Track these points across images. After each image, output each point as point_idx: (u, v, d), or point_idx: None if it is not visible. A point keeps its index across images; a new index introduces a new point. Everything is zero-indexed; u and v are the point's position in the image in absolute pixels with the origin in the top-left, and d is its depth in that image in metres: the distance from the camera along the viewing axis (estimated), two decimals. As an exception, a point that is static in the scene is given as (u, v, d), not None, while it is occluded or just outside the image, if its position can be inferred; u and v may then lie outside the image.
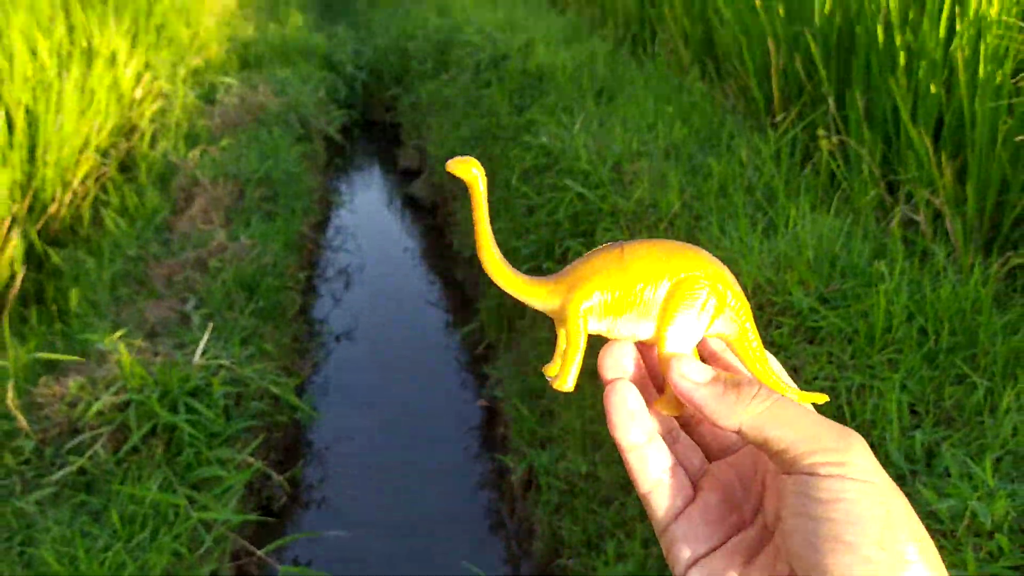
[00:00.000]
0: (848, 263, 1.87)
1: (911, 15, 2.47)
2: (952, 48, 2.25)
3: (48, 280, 2.94)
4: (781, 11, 2.98)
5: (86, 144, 3.49)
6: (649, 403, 0.45)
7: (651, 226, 2.44)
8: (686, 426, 0.48)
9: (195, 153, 3.86)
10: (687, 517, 0.44)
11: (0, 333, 2.46)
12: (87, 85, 3.60)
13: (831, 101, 2.61)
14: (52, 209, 3.14)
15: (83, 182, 3.44)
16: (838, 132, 2.61)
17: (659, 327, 0.45)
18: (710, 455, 0.48)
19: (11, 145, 2.99)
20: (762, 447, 0.41)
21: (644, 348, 0.47)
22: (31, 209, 3.09)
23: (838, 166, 2.41)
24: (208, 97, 4.77)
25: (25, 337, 2.53)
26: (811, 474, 0.38)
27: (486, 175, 0.45)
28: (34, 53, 3.50)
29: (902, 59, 2.36)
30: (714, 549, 0.44)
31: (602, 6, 4.89)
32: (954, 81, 2.24)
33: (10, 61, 3.27)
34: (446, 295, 4.05)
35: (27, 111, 3.17)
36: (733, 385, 0.42)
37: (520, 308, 3.11)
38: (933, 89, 2.28)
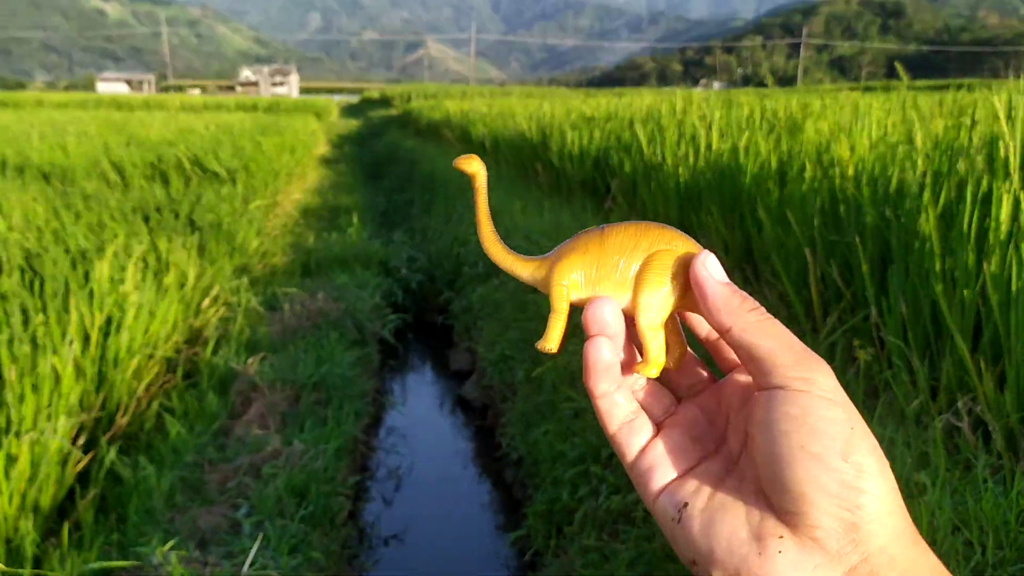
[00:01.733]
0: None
1: (947, 233, 2.57)
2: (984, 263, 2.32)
3: (110, 487, 3.03)
4: (816, 222, 3.11)
5: (153, 353, 3.68)
6: (628, 362, 0.50)
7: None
8: None
9: (255, 359, 4.03)
10: (652, 450, 0.48)
11: (59, 544, 2.52)
12: (158, 298, 3.83)
13: (872, 308, 2.67)
14: (119, 419, 3.27)
15: (148, 390, 3.59)
16: (879, 337, 2.65)
17: (634, 296, 0.49)
18: (677, 396, 0.52)
19: (84, 358, 3.17)
20: (745, 352, 0.44)
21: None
22: (98, 419, 3.23)
23: (880, 371, 2.44)
24: (270, 304, 5.01)
25: (83, 546, 2.59)
26: (783, 388, 0.42)
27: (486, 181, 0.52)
28: (113, 280, 3.76)
29: (937, 268, 2.44)
30: (680, 476, 0.47)
31: (643, 212, 5.12)
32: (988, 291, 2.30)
33: (89, 283, 3.52)
34: (495, 498, 4.04)
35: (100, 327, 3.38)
36: (741, 293, 0.46)
37: (569, 513, 3.09)
38: (968, 296, 2.34)
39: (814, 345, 2.72)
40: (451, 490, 4.12)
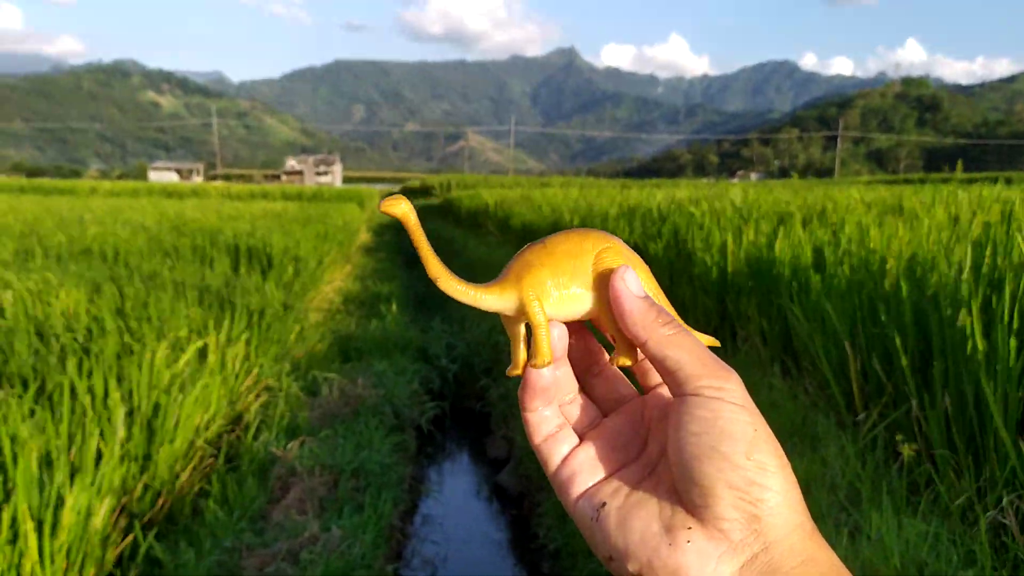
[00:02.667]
0: (936, 571, 1.83)
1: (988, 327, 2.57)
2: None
3: (148, 570, 3.04)
4: (856, 314, 3.11)
5: (196, 438, 3.73)
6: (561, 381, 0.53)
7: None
8: (586, 386, 0.56)
9: (295, 444, 4.06)
10: (573, 459, 0.52)
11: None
12: (203, 384, 3.90)
13: (914, 403, 2.65)
14: (160, 502, 3.31)
15: (189, 474, 3.63)
16: (922, 431, 2.62)
17: (595, 288, 0.52)
18: (604, 410, 0.55)
19: (130, 442, 3.23)
20: (660, 364, 0.48)
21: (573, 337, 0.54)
22: (139, 500, 3.27)
23: (919, 465, 2.41)
24: (310, 390, 5.07)
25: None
26: (696, 395, 0.46)
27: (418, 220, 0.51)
28: (155, 366, 3.84)
29: (983, 365, 2.42)
30: (600, 481, 0.51)
31: (683, 304, 5.14)
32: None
33: (140, 367, 3.61)
34: (531, 590, 3.97)
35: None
36: (657, 307, 0.50)
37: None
38: (1012, 392, 2.32)
39: (856, 441, 2.70)
40: (487, 581, 4.06)
